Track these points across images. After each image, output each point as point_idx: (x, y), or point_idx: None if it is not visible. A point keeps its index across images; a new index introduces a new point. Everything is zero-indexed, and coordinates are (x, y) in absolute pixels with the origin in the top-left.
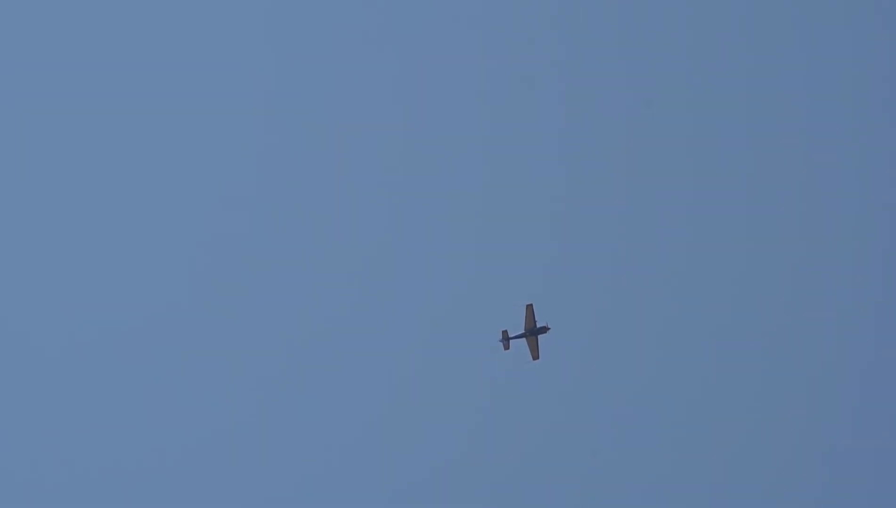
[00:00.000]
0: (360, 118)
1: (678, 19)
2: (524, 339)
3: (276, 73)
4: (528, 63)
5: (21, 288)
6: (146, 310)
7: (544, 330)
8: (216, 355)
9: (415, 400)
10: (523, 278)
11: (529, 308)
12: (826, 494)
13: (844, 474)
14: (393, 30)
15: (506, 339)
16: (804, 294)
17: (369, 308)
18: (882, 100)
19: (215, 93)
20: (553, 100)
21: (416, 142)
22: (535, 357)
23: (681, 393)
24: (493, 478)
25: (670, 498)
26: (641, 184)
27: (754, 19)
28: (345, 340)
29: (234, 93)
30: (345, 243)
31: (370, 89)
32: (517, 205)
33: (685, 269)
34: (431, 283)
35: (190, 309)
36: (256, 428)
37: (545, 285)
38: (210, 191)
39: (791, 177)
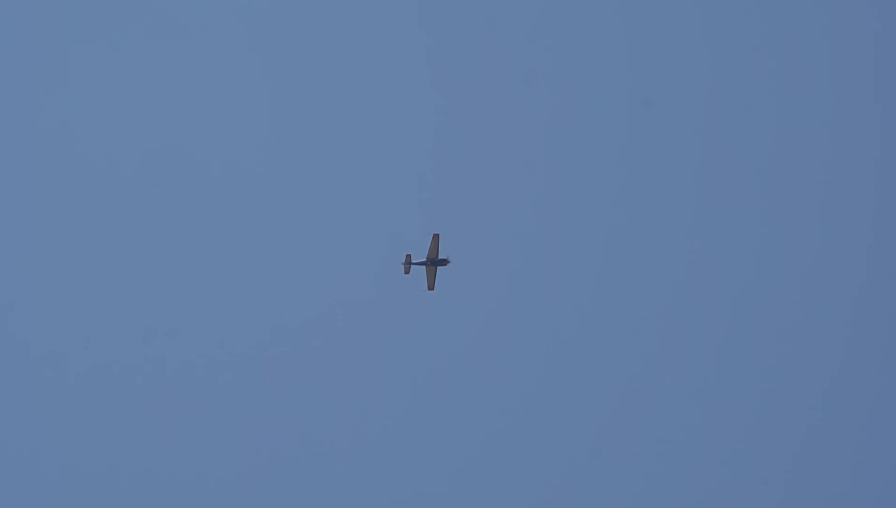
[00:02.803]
0: (359, 117)
1: (677, 19)
2: (424, 267)
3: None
4: (527, 62)
5: (21, 288)
6: (147, 309)
7: (444, 262)
8: (205, 352)
9: None
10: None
11: (435, 237)
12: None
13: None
14: (392, 29)
15: (408, 263)
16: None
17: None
18: (881, 100)
19: (215, 93)
20: (552, 99)
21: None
22: (431, 287)
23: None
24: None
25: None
26: (639, 183)
27: (754, 19)
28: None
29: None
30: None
31: (369, 88)
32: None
33: (679, 266)
34: None
35: (188, 307)
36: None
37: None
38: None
39: (790, 176)
